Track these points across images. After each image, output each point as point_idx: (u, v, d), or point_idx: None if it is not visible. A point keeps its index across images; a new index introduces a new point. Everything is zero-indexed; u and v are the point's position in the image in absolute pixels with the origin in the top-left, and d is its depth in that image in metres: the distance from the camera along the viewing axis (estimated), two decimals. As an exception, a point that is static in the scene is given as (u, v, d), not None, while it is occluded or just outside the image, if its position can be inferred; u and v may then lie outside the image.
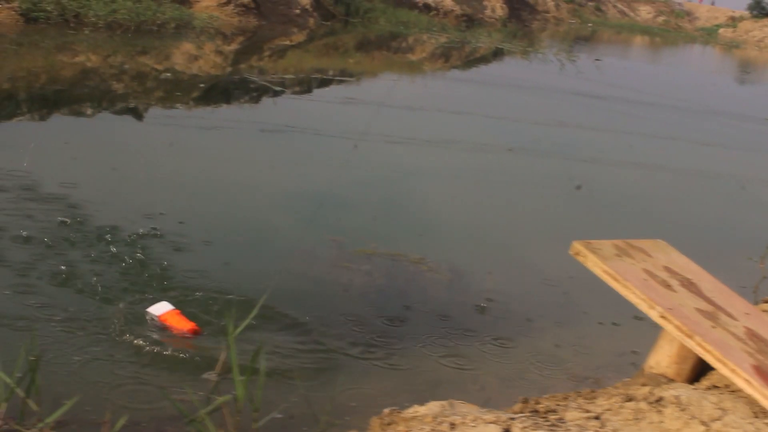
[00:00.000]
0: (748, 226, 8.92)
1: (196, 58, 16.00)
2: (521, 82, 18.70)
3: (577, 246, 3.69)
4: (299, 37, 21.35)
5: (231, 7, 20.51)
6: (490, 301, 5.72)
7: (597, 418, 3.24)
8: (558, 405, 3.43)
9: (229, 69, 15.45)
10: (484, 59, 24.18)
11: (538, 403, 3.44)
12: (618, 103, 16.94)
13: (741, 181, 11.07)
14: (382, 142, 9.99)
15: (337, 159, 8.92)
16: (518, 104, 15.46)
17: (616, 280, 3.57)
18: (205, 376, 3.98)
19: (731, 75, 33.37)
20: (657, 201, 9.43)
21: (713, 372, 3.74)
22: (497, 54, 25.63)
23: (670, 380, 3.75)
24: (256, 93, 12.89)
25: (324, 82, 15.11)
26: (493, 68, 22.50)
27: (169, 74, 13.16)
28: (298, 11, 22.93)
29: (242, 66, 16.08)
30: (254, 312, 3.13)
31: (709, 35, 53.90)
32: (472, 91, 16.74)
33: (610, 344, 5.47)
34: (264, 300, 3.91)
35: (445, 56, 23.57)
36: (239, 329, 2.88)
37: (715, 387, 3.71)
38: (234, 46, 18.29)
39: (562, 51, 29.19)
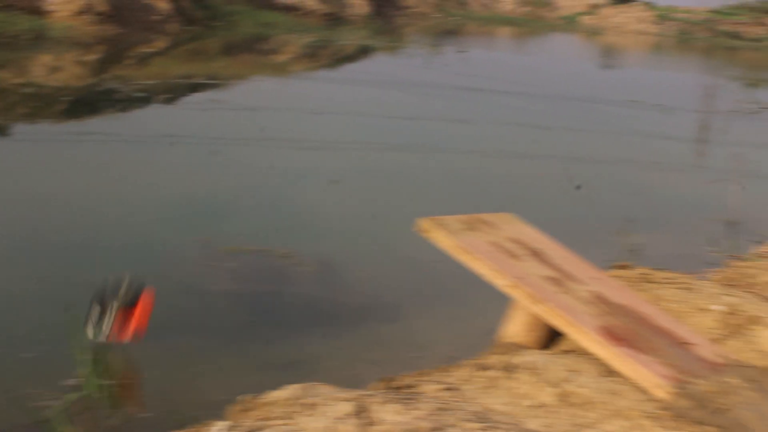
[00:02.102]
0: (613, 204, 9.23)
1: (55, 69, 15.58)
2: (387, 77, 18.87)
3: (424, 223, 3.76)
4: (161, 43, 21.00)
5: (88, 16, 20.01)
6: (360, 289, 5.79)
7: (453, 388, 3.33)
8: (416, 380, 3.51)
9: (91, 79, 15.09)
10: (350, 57, 24.30)
11: (397, 380, 3.51)
12: (481, 93, 17.28)
13: (612, 163, 11.45)
14: (248, 145, 9.95)
15: (202, 164, 8.85)
16: (383, 100, 15.59)
17: (464, 253, 3.66)
18: (65, 381, 3.91)
19: (593, 61, 34.45)
20: (526, 188, 9.65)
21: (565, 337, 3.89)
22: (364, 51, 25.79)
23: (524, 347, 3.88)
24: (119, 103, 12.62)
25: (190, 88, 14.93)
26: (359, 66, 22.61)
27: (29, 88, 12.76)
28: (158, 17, 22.54)
29: (104, 75, 15.73)
30: (108, 314, 3.10)
31: (569, 23, 55.62)
32: (338, 89, 16.80)
33: (480, 323, 5.57)
34: (119, 302, 3.87)
35: (311, 56, 23.60)
36: (91, 332, 2.85)
37: (568, 351, 3.85)
38: (94, 56, 17.87)
39: (427, 45, 29.60)
